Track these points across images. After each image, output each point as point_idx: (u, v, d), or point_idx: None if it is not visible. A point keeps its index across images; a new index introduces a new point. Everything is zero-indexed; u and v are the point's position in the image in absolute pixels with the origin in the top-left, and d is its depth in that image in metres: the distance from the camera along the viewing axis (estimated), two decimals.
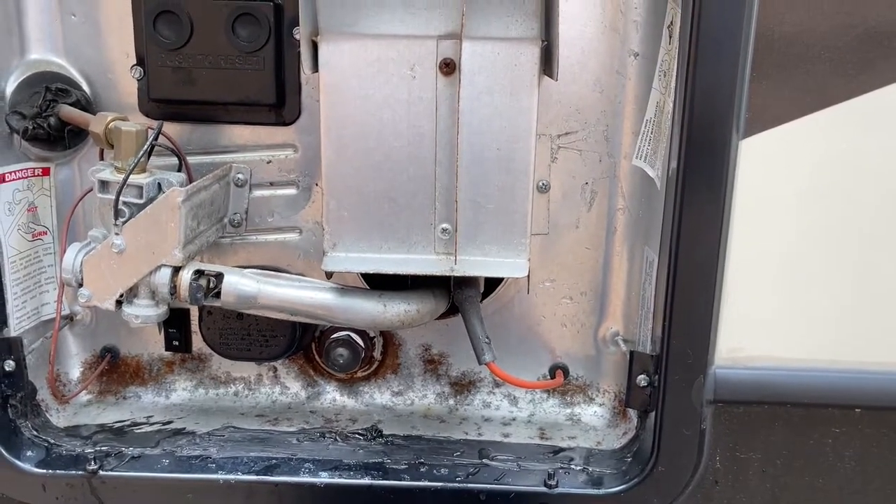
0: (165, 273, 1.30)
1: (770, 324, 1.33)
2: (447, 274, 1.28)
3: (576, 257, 1.50)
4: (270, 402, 1.61)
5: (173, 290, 1.31)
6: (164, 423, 1.53)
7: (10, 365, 1.40)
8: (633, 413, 1.51)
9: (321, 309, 1.33)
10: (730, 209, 1.26)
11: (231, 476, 1.39)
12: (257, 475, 1.39)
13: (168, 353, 1.61)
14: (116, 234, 1.29)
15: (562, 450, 1.48)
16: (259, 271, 1.36)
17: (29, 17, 1.39)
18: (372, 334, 1.58)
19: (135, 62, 1.42)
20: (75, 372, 1.59)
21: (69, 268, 1.31)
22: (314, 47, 1.22)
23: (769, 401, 1.34)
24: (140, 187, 1.29)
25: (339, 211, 1.28)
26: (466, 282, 1.40)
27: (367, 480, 1.38)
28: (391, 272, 1.29)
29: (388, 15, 1.20)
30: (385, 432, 1.50)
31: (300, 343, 1.53)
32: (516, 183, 1.25)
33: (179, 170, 1.41)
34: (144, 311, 1.33)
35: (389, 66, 1.21)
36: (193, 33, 1.37)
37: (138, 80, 1.42)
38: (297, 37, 1.38)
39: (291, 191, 1.48)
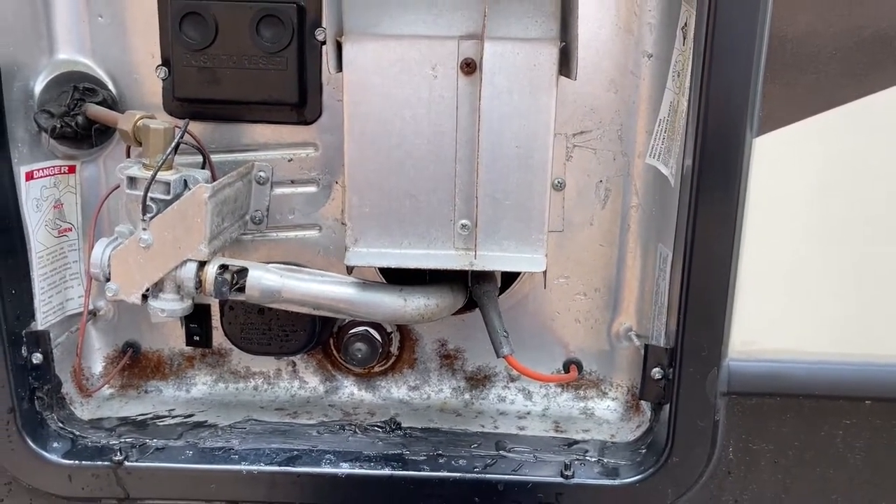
0: (191, 268, 1.33)
1: (782, 317, 1.36)
2: (467, 268, 1.31)
3: (590, 254, 1.53)
4: (289, 396, 1.64)
5: (198, 284, 1.34)
6: (185, 417, 1.56)
7: (37, 358, 1.42)
8: (646, 406, 1.54)
9: (343, 303, 1.37)
10: (744, 206, 1.29)
11: (254, 467, 1.41)
12: (280, 466, 1.42)
13: (189, 348, 1.64)
14: (144, 229, 1.32)
15: (576, 442, 1.51)
16: (282, 266, 1.39)
17: (57, 19, 1.43)
18: (389, 329, 1.61)
19: (160, 62, 1.45)
20: (98, 366, 1.62)
21: (97, 262, 1.34)
22: (339, 47, 1.26)
23: (781, 393, 1.37)
24: (167, 184, 1.32)
25: (361, 207, 1.31)
26: (484, 277, 1.43)
27: (387, 471, 1.41)
28: (412, 267, 1.32)
29: (412, 16, 1.23)
30: (403, 425, 1.53)
31: (319, 338, 1.56)
32: (534, 180, 1.29)
33: (203, 167, 1.44)
34: (170, 305, 1.37)
35: (412, 66, 1.24)
36: (218, 34, 1.40)
37: (163, 80, 1.46)
38: (319, 38, 1.42)
39: (312, 188, 1.52)
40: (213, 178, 1.42)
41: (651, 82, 1.43)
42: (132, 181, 1.33)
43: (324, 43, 1.42)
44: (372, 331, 1.58)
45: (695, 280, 1.31)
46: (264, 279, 1.35)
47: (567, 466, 1.41)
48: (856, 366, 1.36)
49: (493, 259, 1.31)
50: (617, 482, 1.39)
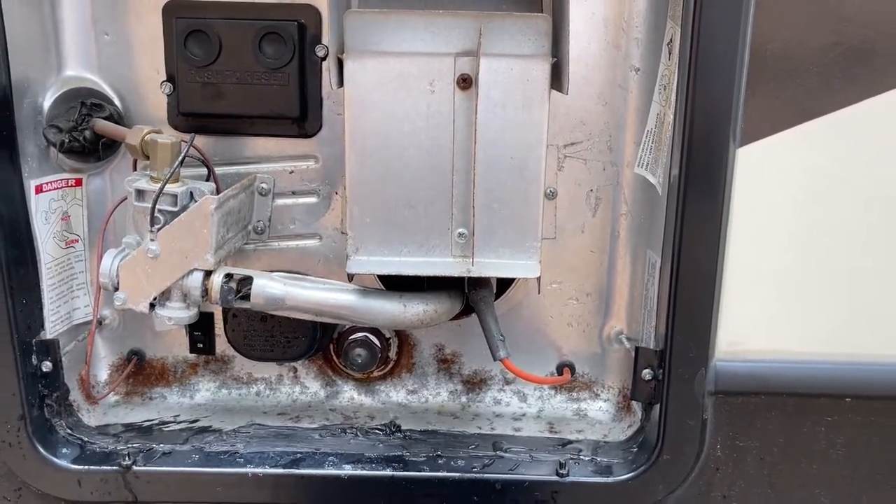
0: (197, 277, 1.38)
1: (766, 319, 1.43)
2: (465, 275, 1.36)
3: (581, 260, 1.59)
4: (291, 400, 1.69)
5: (204, 292, 1.39)
6: (190, 422, 1.60)
7: (47, 366, 1.46)
8: (637, 407, 1.59)
9: (345, 309, 1.41)
10: (728, 213, 1.35)
11: (259, 469, 1.46)
12: (284, 468, 1.46)
13: (192, 356, 1.68)
14: (152, 240, 1.36)
15: (570, 442, 1.56)
16: (285, 274, 1.44)
17: (66, 36, 1.47)
18: (388, 335, 1.66)
19: (164, 78, 1.49)
20: (103, 374, 1.66)
21: (106, 272, 1.39)
22: (340, 64, 1.31)
23: (766, 391, 1.43)
24: (175, 196, 1.37)
25: (362, 217, 1.36)
26: (481, 283, 1.49)
27: (388, 472, 1.46)
28: (411, 274, 1.37)
29: (410, 34, 1.28)
30: (403, 428, 1.58)
31: (320, 344, 1.61)
32: (528, 189, 1.34)
33: (208, 179, 1.49)
34: (177, 313, 1.41)
35: (410, 82, 1.30)
36: (222, 51, 1.45)
37: (168, 95, 1.50)
38: (319, 54, 1.47)
39: (312, 199, 1.56)
40: (218, 190, 1.47)
41: (638, 95, 1.49)
42: (140, 193, 1.38)
43: (323, 59, 1.48)
44: (371, 336, 1.63)
45: (682, 284, 1.37)
46: (268, 287, 1.39)
47: (562, 465, 1.46)
48: (836, 365, 1.43)
49: (489, 266, 1.36)
50: (610, 480, 1.45)
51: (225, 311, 1.59)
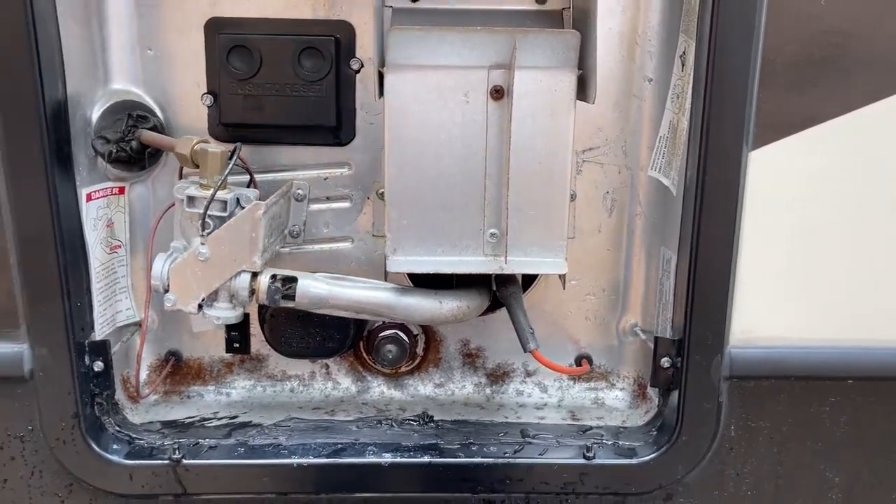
0: (245, 278, 1.46)
1: (777, 308, 1.54)
2: (498, 272, 1.46)
3: (598, 258, 1.69)
4: (324, 396, 1.77)
5: (251, 293, 1.47)
6: (230, 418, 1.67)
7: (98, 366, 1.53)
8: (652, 394, 1.70)
9: (384, 307, 1.50)
10: (741, 211, 1.46)
11: (303, 460, 1.54)
12: (327, 458, 1.54)
13: (228, 355, 1.75)
14: (202, 243, 1.44)
15: (591, 428, 1.66)
16: (327, 274, 1.52)
17: (112, 52, 1.54)
18: (415, 332, 1.75)
19: (205, 90, 1.57)
20: (143, 374, 1.72)
21: (158, 275, 1.46)
22: (381, 77, 1.40)
23: (776, 375, 1.54)
24: (224, 202, 1.45)
25: (400, 220, 1.44)
26: (509, 280, 1.58)
27: (426, 459, 1.55)
28: (447, 272, 1.46)
29: (448, 48, 1.37)
30: (435, 418, 1.67)
31: (353, 342, 1.69)
32: (555, 192, 1.43)
33: (249, 186, 1.57)
34: (224, 313, 1.48)
35: (446, 93, 1.38)
36: (262, 65, 1.53)
37: (208, 107, 1.58)
38: (353, 67, 1.56)
39: (345, 204, 1.65)
40: (260, 196, 1.55)
41: (651, 103, 1.59)
42: (191, 200, 1.45)
43: (357, 71, 1.56)
44: (401, 333, 1.71)
45: (699, 277, 1.47)
46: (313, 287, 1.48)
47: (588, 448, 1.56)
48: (840, 349, 1.55)
49: (520, 263, 1.46)
50: (634, 461, 1.55)
51: (262, 311, 1.66)
